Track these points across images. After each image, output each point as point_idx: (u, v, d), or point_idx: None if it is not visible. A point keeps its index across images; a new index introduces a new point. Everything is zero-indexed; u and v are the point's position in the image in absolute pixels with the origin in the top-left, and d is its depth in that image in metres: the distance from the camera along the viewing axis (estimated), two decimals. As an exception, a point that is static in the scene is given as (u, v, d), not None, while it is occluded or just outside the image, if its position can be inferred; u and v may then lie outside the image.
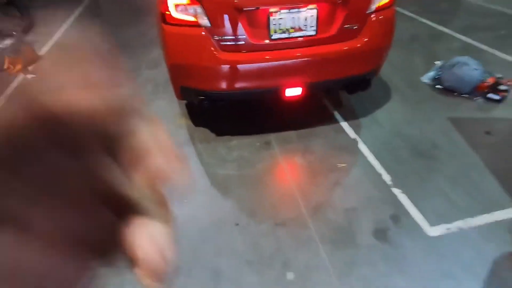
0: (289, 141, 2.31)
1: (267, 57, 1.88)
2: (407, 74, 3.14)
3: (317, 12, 1.85)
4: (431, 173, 2.03)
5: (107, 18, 4.89)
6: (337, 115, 2.58)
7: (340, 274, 1.49)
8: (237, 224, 1.72)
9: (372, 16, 1.96)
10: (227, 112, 2.60)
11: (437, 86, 2.91)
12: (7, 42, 3.31)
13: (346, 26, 1.91)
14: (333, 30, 1.92)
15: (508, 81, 2.72)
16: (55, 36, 4.28)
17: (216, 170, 2.07)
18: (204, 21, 1.76)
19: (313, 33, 1.90)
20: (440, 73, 2.98)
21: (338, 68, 2.04)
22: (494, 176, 1.99)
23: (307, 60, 1.94)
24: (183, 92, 2.09)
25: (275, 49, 1.90)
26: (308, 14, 1.84)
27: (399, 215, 1.75)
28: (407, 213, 1.76)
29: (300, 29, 1.88)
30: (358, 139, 2.30)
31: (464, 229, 1.68)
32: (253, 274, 1.50)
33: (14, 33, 3.36)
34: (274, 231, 1.68)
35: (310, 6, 1.82)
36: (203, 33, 1.78)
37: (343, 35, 1.95)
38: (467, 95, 2.77)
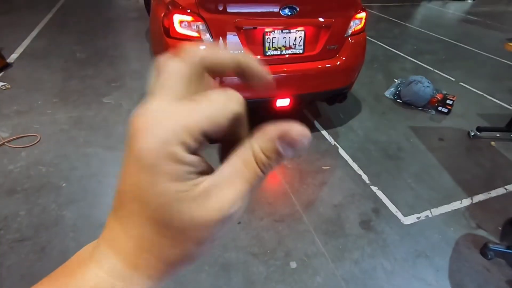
0: (277, 147, 2.52)
1: (262, 70, 2.10)
2: (372, 89, 3.59)
3: (304, 33, 2.13)
4: (399, 171, 2.37)
5: (78, 28, 4.79)
6: (316, 124, 2.87)
7: (335, 259, 1.70)
8: (239, 223, 1.86)
9: (349, 39, 2.29)
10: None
11: (398, 100, 3.37)
12: (-25, 48, 3.12)
13: (328, 46, 2.22)
14: (317, 49, 2.21)
15: (453, 97, 3.26)
16: (24, 43, 4.10)
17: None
18: (206, 37, 1.94)
19: (301, 51, 2.17)
20: (399, 89, 3.46)
21: (320, 82, 2.33)
22: (448, 173, 2.39)
23: (295, 74, 2.20)
24: (181, 101, 2.21)
25: (269, 64, 2.12)
26: (297, 35, 2.11)
27: (378, 208, 2.04)
28: (384, 206, 2.05)
29: (290, 48, 2.14)
30: (338, 145, 2.60)
31: (430, 217, 2.01)
32: (260, 265, 1.64)
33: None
34: (274, 226, 1.85)
35: (299, 28, 2.10)
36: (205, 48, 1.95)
37: (325, 54, 2.25)
38: (421, 108, 3.26)
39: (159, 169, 0.17)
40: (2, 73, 3.34)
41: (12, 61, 3.59)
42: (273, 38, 2.06)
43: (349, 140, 2.68)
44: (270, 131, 0.19)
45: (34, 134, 2.43)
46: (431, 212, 2.04)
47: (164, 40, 1.99)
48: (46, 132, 2.49)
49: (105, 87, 3.21)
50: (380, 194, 2.15)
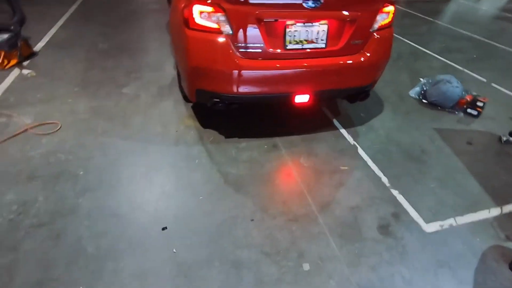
0: (295, 145, 2.46)
1: (282, 65, 2.03)
2: (396, 87, 3.43)
3: (328, 27, 2.03)
4: (422, 175, 2.25)
5: (100, 20, 4.86)
6: (336, 122, 2.78)
7: (350, 264, 1.63)
8: (252, 220, 1.82)
9: (374, 34, 2.18)
10: (234, 115, 2.71)
11: (423, 100, 3.21)
12: (3, 36, 3.22)
13: (352, 41, 2.12)
14: (341, 44, 2.11)
15: (483, 99, 3.06)
16: (49, 33, 4.21)
17: (228, 169, 2.16)
18: (227, 28, 1.89)
19: (323, 45, 2.08)
20: (425, 89, 3.29)
21: (342, 79, 2.23)
22: (476, 179, 2.24)
23: (316, 69, 2.11)
24: (198, 95, 2.19)
25: (289, 58, 2.05)
26: (320, 29, 2.02)
27: (398, 213, 1.94)
28: (405, 211, 1.95)
29: (312, 42, 2.05)
30: (357, 145, 2.50)
31: (454, 225, 1.89)
32: (272, 265, 1.60)
33: (11, 27, 3.28)
34: (287, 226, 1.80)
35: (322, 22, 2.01)
36: (224, 39, 1.90)
37: (349, 49, 2.15)
38: (449, 110, 3.08)
39: None
40: (29, 61, 3.44)
41: (38, 50, 3.70)
42: (294, 31, 1.99)
43: (369, 140, 2.57)
44: None
45: (55, 122, 2.49)
46: (455, 220, 1.92)
47: (183, 31, 1.95)
48: (66, 121, 2.53)
49: (124, 78, 3.24)
50: (400, 198, 2.04)
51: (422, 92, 3.30)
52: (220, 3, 1.83)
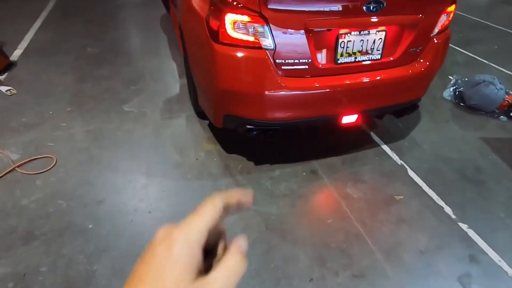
0: (335, 169, 2.13)
1: (331, 83, 1.67)
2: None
3: (385, 34, 1.67)
4: (487, 202, 1.97)
5: (84, 17, 4.29)
6: (374, 136, 2.45)
7: (440, 334, 1.34)
8: (311, 280, 1.50)
9: (434, 38, 1.83)
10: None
11: (460, 104, 2.91)
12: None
13: (411, 49, 1.77)
14: (398, 54, 1.76)
15: (526, 100, 2.79)
16: (27, 36, 3.65)
17: (267, 209, 1.82)
18: (268, 42, 1.50)
19: (378, 57, 1.73)
20: (460, 89, 2.99)
21: (397, 93, 1.90)
22: (545, 203, 1.98)
23: (370, 85, 1.76)
24: (227, 121, 1.80)
25: (340, 74, 1.69)
26: (377, 37, 1.66)
27: (476, 255, 1.66)
28: (482, 252, 1.67)
29: (366, 53, 1.69)
30: (405, 165, 2.19)
31: (539, 266, 1.63)
32: None
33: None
34: (355, 285, 1.49)
35: (380, 28, 1.64)
36: (264, 55, 1.52)
37: (405, 59, 1.80)
38: (490, 114, 2.81)
39: None
40: (6, 74, 2.92)
41: (16, 59, 3.16)
42: (348, 41, 1.61)
43: (416, 159, 2.27)
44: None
45: (49, 156, 2.06)
46: (538, 258, 1.66)
47: (210, 46, 1.55)
48: (62, 152, 2.11)
49: (124, 91, 2.79)
50: (472, 234, 1.76)
51: (457, 93, 3.00)
52: (262, 11, 1.43)
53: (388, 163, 2.21)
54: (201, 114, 2.40)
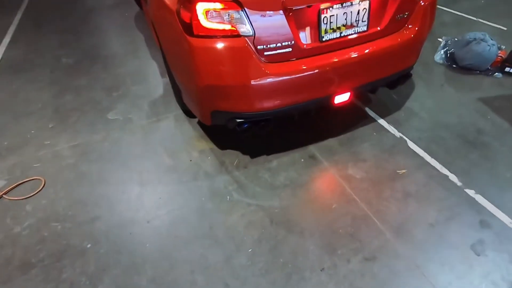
0: (334, 151, 2.06)
1: (318, 63, 1.57)
2: (418, 55, 3.02)
3: (369, 3, 1.56)
4: (492, 164, 1.92)
5: (56, 26, 4.10)
6: (370, 111, 2.38)
7: (460, 307, 1.31)
8: (322, 269, 1.45)
9: (420, 1, 1.73)
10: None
11: (454, 66, 2.83)
12: None
13: (398, 16, 1.66)
14: (384, 23, 1.66)
15: (520, 53, 2.71)
16: (-2, 53, 3.48)
17: (268, 202, 1.75)
18: (246, 28, 1.39)
19: (364, 28, 1.63)
20: (451, 50, 2.90)
21: (388, 64, 1.80)
22: (551, 157, 1.94)
23: (358, 60, 1.66)
24: (215, 117, 1.71)
25: (326, 52, 1.59)
26: (360, 7, 1.55)
27: (486, 220, 1.61)
28: (493, 216, 1.63)
29: (351, 26, 1.59)
30: (405, 137, 2.12)
31: (551, 222, 1.59)
32: (368, 330, 1.26)
33: None
34: (367, 268, 1.44)
35: (363, -3, 1.53)
36: (243, 43, 1.41)
37: (393, 27, 1.71)
38: (484, 72, 2.73)
39: None
40: (-20, 97, 2.79)
41: (-12, 80, 3.02)
42: (330, 16, 1.51)
43: (415, 129, 2.20)
44: None
45: (37, 178, 1.97)
46: (550, 215, 1.63)
47: (185, 41, 1.44)
48: (49, 172, 2.02)
49: (106, 98, 2.67)
50: (480, 199, 1.72)
51: (448, 55, 2.91)
52: (234, -5, 1.32)
53: (387, 137, 2.14)
54: (189, 113, 2.31)
